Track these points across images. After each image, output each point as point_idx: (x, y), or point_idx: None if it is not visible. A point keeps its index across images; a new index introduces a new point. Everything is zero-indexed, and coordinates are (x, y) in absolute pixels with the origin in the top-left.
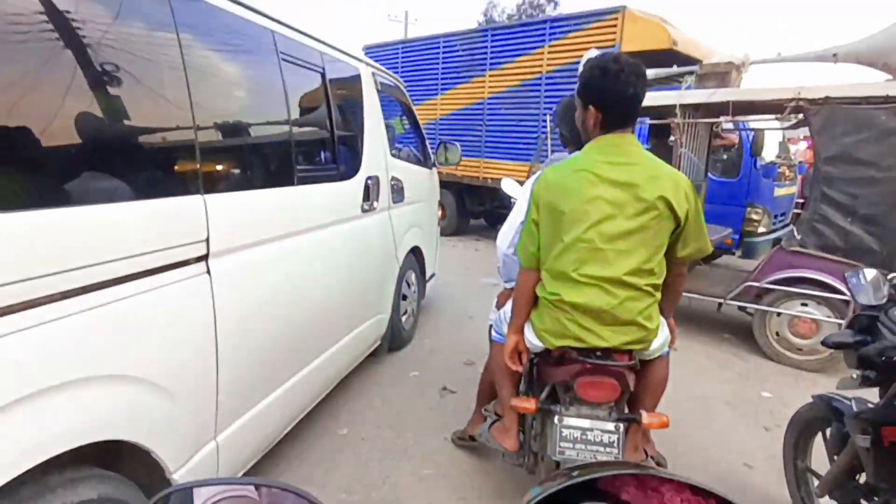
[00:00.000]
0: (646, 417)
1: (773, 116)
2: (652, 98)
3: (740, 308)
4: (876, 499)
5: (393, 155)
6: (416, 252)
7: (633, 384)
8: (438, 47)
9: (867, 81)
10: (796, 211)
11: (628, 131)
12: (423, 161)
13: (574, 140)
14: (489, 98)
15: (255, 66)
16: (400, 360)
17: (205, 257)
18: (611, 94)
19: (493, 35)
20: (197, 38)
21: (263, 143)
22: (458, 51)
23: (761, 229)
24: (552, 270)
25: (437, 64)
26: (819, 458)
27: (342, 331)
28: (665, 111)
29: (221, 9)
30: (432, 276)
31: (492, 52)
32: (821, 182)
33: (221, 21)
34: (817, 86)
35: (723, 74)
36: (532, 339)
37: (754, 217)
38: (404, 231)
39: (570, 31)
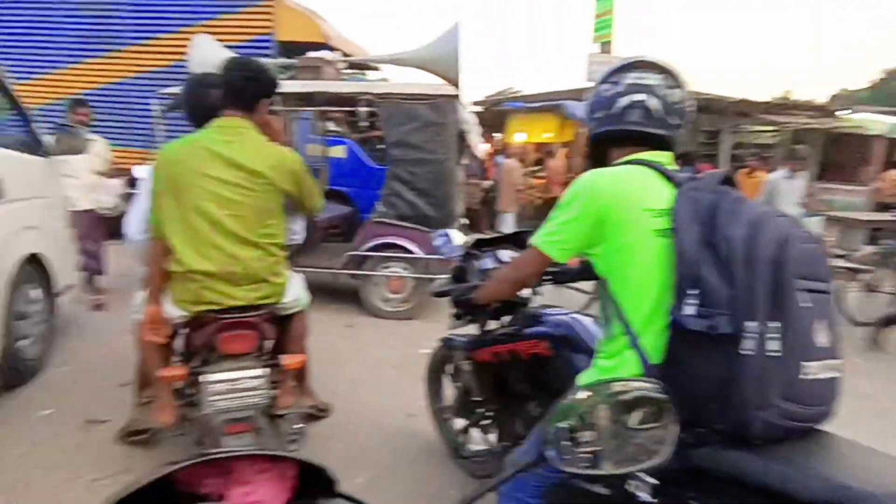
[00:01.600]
0: (285, 359)
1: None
2: None
3: (352, 276)
4: (482, 409)
5: None
6: (36, 261)
7: (270, 333)
8: (51, 7)
9: (423, 82)
10: None
11: (239, 114)
12: (34, 148)
13: (195, 118)
14: (135, 77)
15: None
16: (24, 399)
17: None
18: (224, 78)
19: (132, 5)
20: None
21: None
22: (80, 16)
23: None
24: (178, 242)
25: (59, 30)
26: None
27: None
28: None
29: None
30: (68, 287)
31: (133, 26)
32: (391, 163)
33: None
34: (382, 83)
35: (315, 68)
36: (173, 311)
37: None
38: (10, 236)
39: (221, 13)
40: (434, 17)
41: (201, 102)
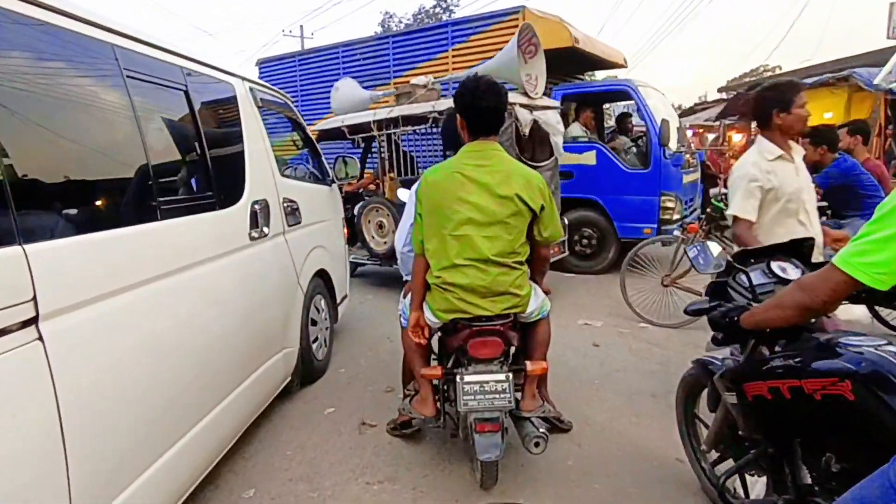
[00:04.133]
0: (529, 365)
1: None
2: (356, 117)
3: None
4: (750, 450)
5: (285, 175)
6: (322, 275)
7: (515, 340)
8: (338, 57)
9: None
10: None
11: (491, 138)
12: (321, 178)
13: (449, 146)
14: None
15: (91, 86)
16: (314, 396)
17: (33, 321)
18: (469, 106)
19: (394, 42)
20: None
21: (108, 176)
22: (359, 60)
23: (675, 216)
24: (435, 258)
25: (339, 74)
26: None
27: (240, 375)
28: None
29: (27, 16)
30: (344, 298)
31: (395, 59)
32: None
33: (30, 32)
34: (444, 101)
35: (408, 94)
36: (431, 318)
37: (668, 205)
38: (305, 254)
39: (472, 34)
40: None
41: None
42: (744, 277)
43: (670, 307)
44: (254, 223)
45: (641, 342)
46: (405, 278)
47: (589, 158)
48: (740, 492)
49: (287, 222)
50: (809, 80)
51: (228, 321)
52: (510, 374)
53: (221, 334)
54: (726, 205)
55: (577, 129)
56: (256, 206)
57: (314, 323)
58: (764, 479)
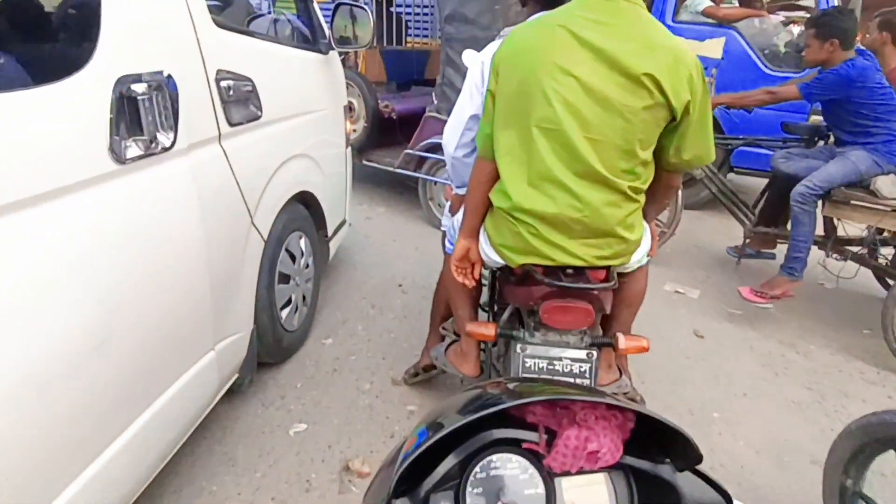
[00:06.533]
0: (623, 342)
1: None
2: None
3: (406, 176)
4: None
5: (227, 27)
6: (304, 199)
7: (609, 306)
8: None
9: None
10: None
11: None
12: (312, 41)
13: None
14: None
15: None
16: (278, 393)
17: None
18: None
19: None
20: None
21: None
22: None
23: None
24: (508, 166)
25: None
26: None
27: (120, 418)
28: None
29: None
30: (341, 225)
31: None
32: (444, 44)
33: None
34: None
35: None
36: (490, 254)
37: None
38: (269, 173)
39: None
40: None
41: None
42: None
43: None
44: (125, 124)
45: (767, 337)
46: (457, 191)
47: (714, 49)
48: None
49: (228, 118)
50: None
51: (72, 330)
52: (595, 353)
53: (56, 357)
54: None
55: (703, 1)
56: (134, 88)
57: (286, 279)
58: None
